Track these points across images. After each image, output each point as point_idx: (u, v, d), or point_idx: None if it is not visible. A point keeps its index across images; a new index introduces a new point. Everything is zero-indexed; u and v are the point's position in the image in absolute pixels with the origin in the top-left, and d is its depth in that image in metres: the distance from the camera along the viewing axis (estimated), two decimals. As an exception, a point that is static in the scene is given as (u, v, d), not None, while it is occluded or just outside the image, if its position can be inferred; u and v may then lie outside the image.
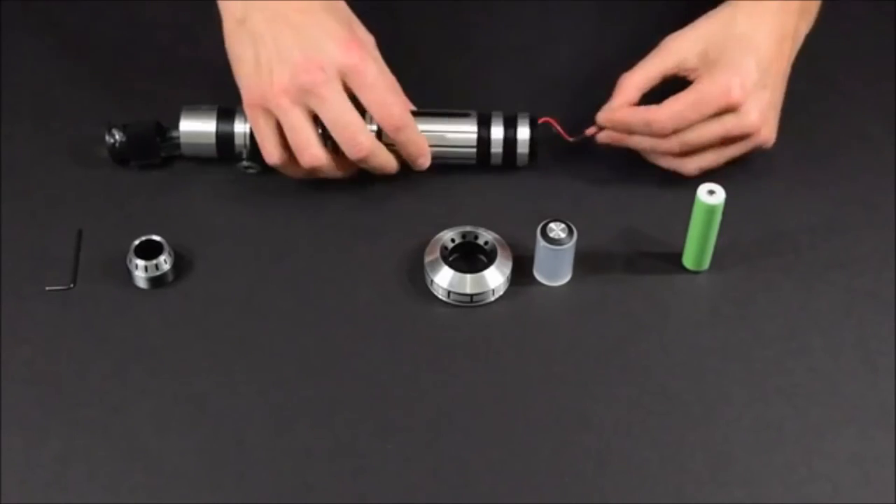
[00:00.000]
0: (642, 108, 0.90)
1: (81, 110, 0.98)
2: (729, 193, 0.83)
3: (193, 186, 0.93)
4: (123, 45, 1.03)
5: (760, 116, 0.89)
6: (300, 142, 0.88)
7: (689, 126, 0.89)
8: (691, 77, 0.90)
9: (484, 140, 0.92)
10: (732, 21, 0.90)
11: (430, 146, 0.92)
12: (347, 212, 0.92)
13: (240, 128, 0.92)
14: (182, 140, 0.93)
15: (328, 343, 0.85)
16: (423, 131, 0.91)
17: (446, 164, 0.93)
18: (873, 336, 0.85)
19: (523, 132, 0.92)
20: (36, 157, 0.95)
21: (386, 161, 0.90)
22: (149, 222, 0.89)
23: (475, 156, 0.93)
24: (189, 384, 0.82)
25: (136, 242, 0.87)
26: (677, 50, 0.91)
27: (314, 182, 0.93)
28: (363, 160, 0.89)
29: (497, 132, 0.92)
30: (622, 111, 0.91)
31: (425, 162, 0.91)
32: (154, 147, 0.93)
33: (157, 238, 0.87)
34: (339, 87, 0.87)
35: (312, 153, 0.88)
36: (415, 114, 0.91)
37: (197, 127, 0.92)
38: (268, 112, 0.88)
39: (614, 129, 0.91)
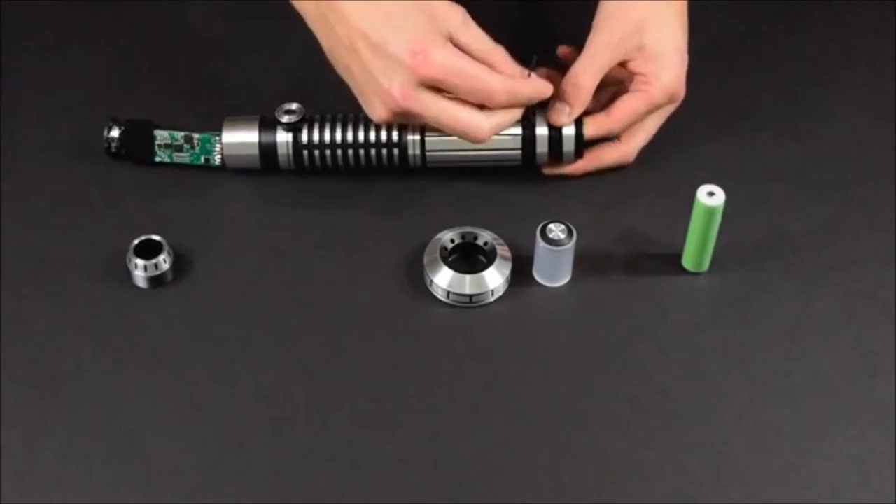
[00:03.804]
0: (594, 122, 0.91)
1: (81, 110, 0.98)
2: (729, 195, 0.83)
3: (193, 186, 0.93)
4: (124, 46, 1.03)
5: (684, 89, 0.92)
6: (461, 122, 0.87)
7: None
8: (627, 65, 0.91)
9: (529, 139, 0.91)
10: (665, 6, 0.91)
11: (473, 150, 0.91)
12: (347, 212, 0.92)
13: (282, 137, 0.92)
14: (225, 152, 0.92)
15: (327, 343, 0.85)
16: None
17: (483, 168, 0.93)
18: (873, 338, 0.85)
19: (568, 129, 0.91)
20: (35, 157, 0.95)
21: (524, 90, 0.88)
22: (149, 222, 0.89)
23: (520, 157, 0.92)
24: (189, 384, 0.82)
25: (136, 242, 0.87)
26: (625, 43, 0.90)
27: (314, 182, 0.93)
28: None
29: (542, 130, 0.91)
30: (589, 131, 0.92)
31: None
32: (149, 146, 0.93)
33: (156, 238, 0.87)
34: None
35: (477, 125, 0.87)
36: None
37: (239, 138, 0.92)
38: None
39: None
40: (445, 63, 0.85)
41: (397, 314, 0.86)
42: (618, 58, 0.90)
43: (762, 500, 0.78)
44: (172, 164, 0.94)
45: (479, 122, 0.87)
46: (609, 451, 0.79)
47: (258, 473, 0.78)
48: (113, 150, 0.93)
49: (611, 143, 0.93)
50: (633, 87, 0.91)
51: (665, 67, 0.90)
